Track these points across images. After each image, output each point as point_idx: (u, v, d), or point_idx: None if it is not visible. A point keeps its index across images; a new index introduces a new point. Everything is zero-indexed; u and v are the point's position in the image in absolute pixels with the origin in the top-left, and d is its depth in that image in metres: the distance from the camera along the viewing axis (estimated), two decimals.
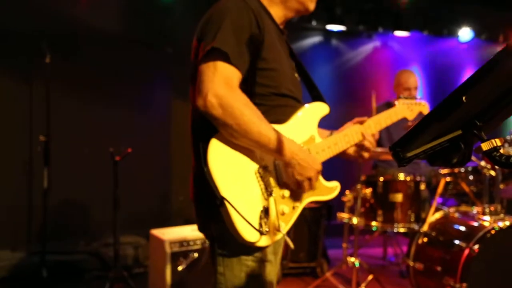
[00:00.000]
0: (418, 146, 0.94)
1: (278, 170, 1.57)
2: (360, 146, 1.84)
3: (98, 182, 3.91)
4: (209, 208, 1.51)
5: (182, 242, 3.15)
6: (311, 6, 1.72)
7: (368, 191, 3.59)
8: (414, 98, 2.03)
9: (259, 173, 1.52)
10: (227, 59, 1.44)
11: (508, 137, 2.96)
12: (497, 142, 0.88)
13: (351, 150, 1.86)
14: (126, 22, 4.66)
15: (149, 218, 4.37)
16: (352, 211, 3.65)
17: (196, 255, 3.18)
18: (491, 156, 0.88)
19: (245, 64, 1.50)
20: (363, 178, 3.66)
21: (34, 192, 4.10)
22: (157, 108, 4.83)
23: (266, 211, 1.50)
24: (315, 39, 5.84)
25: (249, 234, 1.45)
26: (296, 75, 1.76)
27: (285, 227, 1.55)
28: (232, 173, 1.47)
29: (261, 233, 1.46)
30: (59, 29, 4.19)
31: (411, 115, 2.01)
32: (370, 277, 3.55)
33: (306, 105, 1.74)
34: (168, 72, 4.78)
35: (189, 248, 3.17)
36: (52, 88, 3.82)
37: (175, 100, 4.88)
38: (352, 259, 3.49)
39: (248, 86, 1.54)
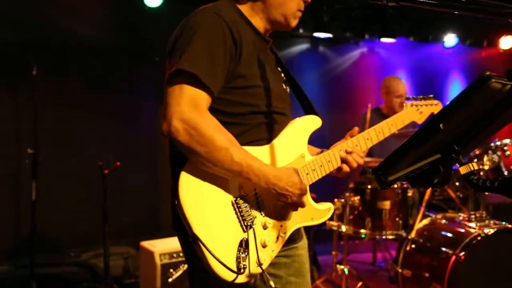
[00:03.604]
0: (399, 170, 0.97)
1: (259, 197, 1.45)
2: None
3: (87, 194, 3.90)
4: (186, 243, 1.42)
5: (172, 254, 3.16)
6: (293, 22, 1.59)
7: (357, 198, 3.63)
8: (424, 98, 1.81)
9: (236, 203, 1.40)
10: (194, 80, 1.33)
11: (492, 145, 3.02)
12: (474, 166, 0.91)
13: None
14: (113, 32, 4.64)
15: (138, 228, 4.36)
16: (341, 219, 3.69)
17: (186, 266, 3.18)
18: (469, 179, 0.91)
19: (218, 84, 1.39)
20: (351, 185, 3.69)
21: (22, 205, 4.07)
22: (145, 118, 4.82)
23: (246, 244, 1.39)
24: (302, 46, 5.88)
25: (224, 272, 1.34)
26: (285, 86, 1.64)
27: (267, 260, 1.44)
28: (206, 206, 1.36)
29: (237, 273, 1.35)
30: (46, 41, 4.18)
31: (420, 118, 1.80)
32: (359, 284, 3.59)
33: (297, 119, 1.60)
34: (156, 82, 4.77)
35: (179, 260, 3.17)
36: (39, 100, 3.80)
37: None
38: (342, 266, 3.52)
39: (225, 106, 1.44)
